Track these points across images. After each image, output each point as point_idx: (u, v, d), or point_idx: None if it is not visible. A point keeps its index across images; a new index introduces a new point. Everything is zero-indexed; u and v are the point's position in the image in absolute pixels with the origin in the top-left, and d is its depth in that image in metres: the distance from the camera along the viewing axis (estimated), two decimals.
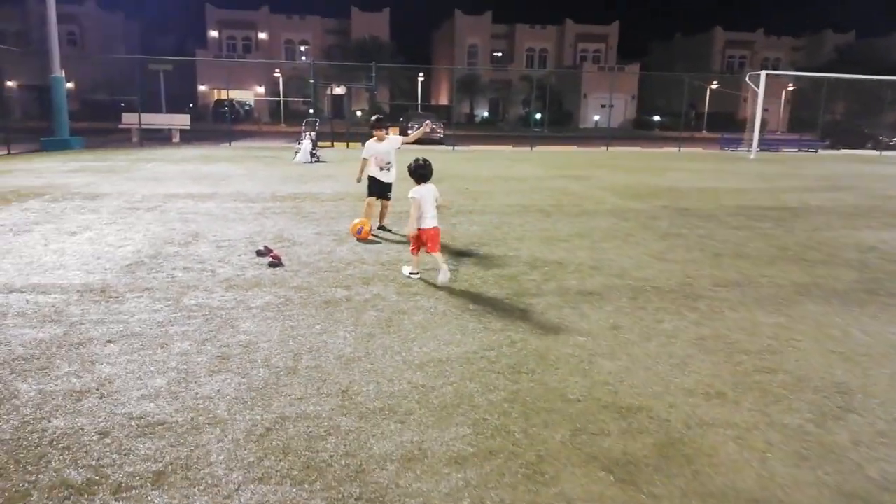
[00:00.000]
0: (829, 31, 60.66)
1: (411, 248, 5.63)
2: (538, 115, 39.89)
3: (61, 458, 2.65)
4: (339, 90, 46.62)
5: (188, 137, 23.95)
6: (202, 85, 50.96)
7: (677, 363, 3.82)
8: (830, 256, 6.87)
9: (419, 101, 49.40)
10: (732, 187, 13.25)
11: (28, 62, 26.99)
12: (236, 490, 2.46)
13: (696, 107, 49.24)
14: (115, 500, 2.39)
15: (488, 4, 65.83)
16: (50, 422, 2.93)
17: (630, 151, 25.66)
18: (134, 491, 2.44)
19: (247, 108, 48.27)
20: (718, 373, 3.69)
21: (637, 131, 48.78)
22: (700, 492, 2.53)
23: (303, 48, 56.74)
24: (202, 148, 21.29)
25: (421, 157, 5.68)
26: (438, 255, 5.49)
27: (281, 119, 45.14)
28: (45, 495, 2.40)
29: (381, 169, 7.33)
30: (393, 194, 7.60)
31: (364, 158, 7.43)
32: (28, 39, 45.46)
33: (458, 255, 6.50)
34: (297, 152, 17.10)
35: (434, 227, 5.52)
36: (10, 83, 31.46)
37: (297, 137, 18.71)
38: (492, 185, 12.52)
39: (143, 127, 22.79)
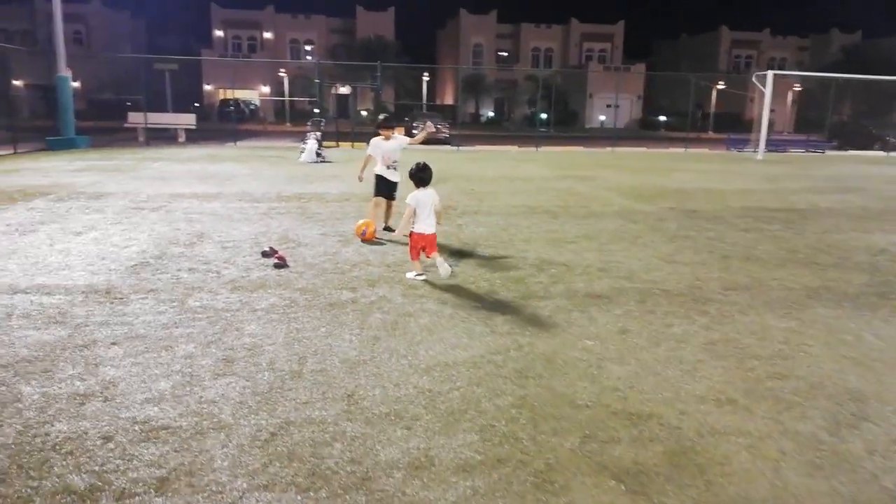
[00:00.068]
0: (836, 31, 60.31)
1: (411, 255, 5.61)
2: (544, 115, 39.80)
3: (64, 463, 2.61)
4: (344, 90, 46.66)
5: (194, 137, 23.95)
6: (207, 84, 51.01)
7: (687, 369, 3.77)
8: (841, 259, 6.80)
9: (424, 101, 49.32)
10: (740, 188, 13.17)
11: (34, 61, 27.07)
12: (240, 497, 2.42)
13: (702, 107, 49.06)
14: None
15: (493, 4, 65.67)
16: (53, 426, 2.90)
17: (636, 152, 25.56)
18: (137, 498, 2.40)
19: (252, 107, 48.29)
20: (729, 379, 3.64)
21: (643, 131, 48.61)
22: (713, 502, 2.49)
23: (308, 48, 56.71)
24: (207, 147, 21.30)
25: (422, 161, 5.67)
26: (436, 254, 5.52)
27: (286, 119, 45.11)
28: (48, 502, 2.37)
29: (389, 168, 7.30)
30: (397, 194, 7.57)
31: (369, 155, 7.39)
32: (34, 38, 45.66)
33: (464, 256, 6.46)
34: (302, 152, 17.09)
35: (432, 233, 5.50)
36: (16, 82, 31.55)
37: (302, 137, 18.71)
38: (497, 186, 12.47)
39: (148, 126, 22.82)
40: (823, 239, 7.89)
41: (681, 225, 8.55)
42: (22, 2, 48.67)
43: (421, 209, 5.44)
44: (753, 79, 24.27)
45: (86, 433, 2.84)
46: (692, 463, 2.75)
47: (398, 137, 7.47)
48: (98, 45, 51.19)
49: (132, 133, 23.39)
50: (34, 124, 22.60)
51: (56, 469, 2.57)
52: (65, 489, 2.44)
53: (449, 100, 57.38)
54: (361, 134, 23.67)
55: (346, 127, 26.16)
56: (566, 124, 46.62)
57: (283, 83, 50.97)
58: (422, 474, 2.60)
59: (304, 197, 10.22)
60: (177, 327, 4.21)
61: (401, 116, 30.36)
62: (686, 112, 32.84)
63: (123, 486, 2.47)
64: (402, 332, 4.24)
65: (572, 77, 53.56)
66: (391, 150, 7.26)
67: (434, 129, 19.16)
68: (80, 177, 12.11)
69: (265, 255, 6.13)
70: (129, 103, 28.75)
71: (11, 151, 16.75)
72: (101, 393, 3.24)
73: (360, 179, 7.68)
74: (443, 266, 5.42)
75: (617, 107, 37.78)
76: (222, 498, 2.42)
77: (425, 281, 5.46)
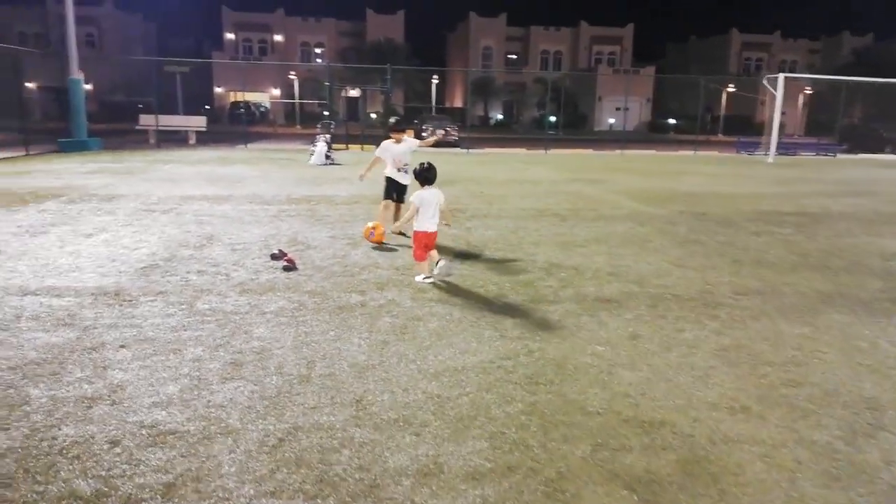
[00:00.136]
0: (847, 34, 59.93)
1: (416, 255, 5.63)
2: (552, 118, 39.71)
3: (71, 467, 2.60)
4: (354, 92, 46.72)
5: (204, 139, 24.06)
6: (218, 87, 51.28)
7: (699, 375, 3.72)
8: (854, 264, 6.72)
9: (433, 104, 49.37)
10: (751, 192, 13.06)
11: (47, 64, 27.29)
12: None
13: (711, 110, 48.81)
14: None
15: (503, 7, 65.64)
16: (60, 429, 2.89)
17: (645, 155, 25.46)
18: None
19: (262, 109, 48.52)
20: (742, 386, 3.59)
21: (652, 134, 48.42)
22: None
23: (318, 50, 56.93)
24: (218, 150, 21.38)
25: (426, 161, 5.74)
26: (434, 252, 5.60)
27: (296, 121, 45.26)
28: None
29: (399, 170, 7.29)
30: (407, 197, 7.55)
31: (376, 157, 7.38)
32: (47, 41, 46.05)
33: (473, 259, 6.43)
34: (311, 154, 17.11)
35: (433, 232, 5.59)
36: (29, 84, 31.81)
37: (311, 139, 18.73)
38: (506, 189, 12.43)
39: (159, 128, 22.93)
40: (836, 243, 7.81)
41: (691, 228, 8.49)
42: (35, 4, 49.12)
43: (424, 208, 5.52)
44: (764, 82, 24.13)
45: (93, 437, 2.83)
46: (705, 472, 2.71)
47: (408, 140, 7.45)
48: (110, 47, 51.64)
49: (143, 135, 23.52)
50: (46, 126, 22.75)
51: (62, 474, 2.55)
52: (71, 494, 2.43)
53: (458, 102, 57.39)
54: (371, 136, 23.73)
55: (356, 129, 26.18)
56: (575, 127, 46.52)
57: (293, 86, 51.17)
58: (431, 482, 2.57)
59: (313, 199, 10.23)
60: (185, 330, 4.20)
61: (410, 119, 30.37)
62: (695, 115, 32.64)
63: (130, 491, 2.45)
64: (410, 336, 4.21)
65: (581, 80, 53.43)
66: (401, 152, 7.25)
67: (442, 135, 19.30)
68: (92, 179, 12.16)
69: (274, 257, 6.12)
70: (140, 105, 28.93)
71: (24, 153, 16.86)
72: (109, 396, 3.22)
73: (361, 178, 7.69)
74: (442, 265, 5.44)
75: (626, 110, 37.69)
76: None
77: (434, 284, 5.44)
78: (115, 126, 25.42)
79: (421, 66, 44.24)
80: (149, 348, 3.87)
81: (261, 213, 8.76)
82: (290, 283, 5.40)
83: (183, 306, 4.68)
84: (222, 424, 2.98)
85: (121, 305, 4.66)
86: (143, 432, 2.88)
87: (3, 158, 15.64)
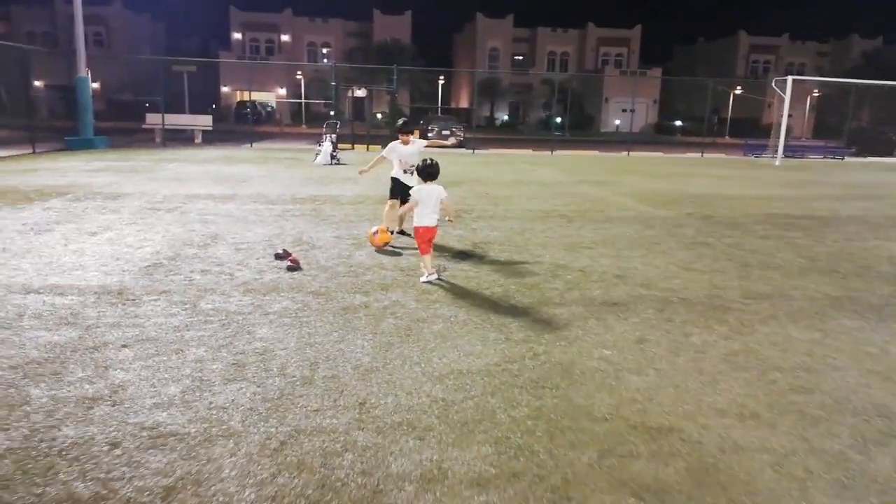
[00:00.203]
0: (856, 37, 59.62)
1: (420, 249, 5.67)
2: (559, 119, 39.61)
3: (70, 469, 2.57)
4: (360, 92, 46.77)
5: (210, 138, 24.08)
6: (225, 86, 51.35)
7: (708, 380, 3.66)
8: (864, 269, 6.64)
9: (440, 104, 49.33)
10: (758, 195, 12.97)
11: (55, 62, 27.29)
12: None
13: (719, 112, 48.62)
14: None
15: (510, 8, 65.59)
16: (60, 430, 2.86)
17: (652, 156, 25.36)
18: None
19: (269, 109, 48.54)
20: (752, 392, 3.53)
21: (659, 136, 48.27)
22: None
23: (325, 50, 56.98)
24: (224, 149, 21.39)
25: (429, 158, 5.80)
26: (428, 259, 5.64)
27: (302, 121, 45.31)
28: None
29: (405, 172, 7.25)
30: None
31: (381, 156, 7.35)
32: (55, 40, 46.25)
33: (478, 260, 6.38)
34: (317, 154, 17.11)
35: (434, 226, 5.65)
36: (37, 83, 31.92)
37: (317, 139, 18.72)
38: (512, 190, 12.38)
39: (166, 127, 22.96)
40: (845, 247, 7.73)
41: (699, 231, 8.42)
42: (43, 4, 49.34)
43: (424, 203, 5.57)
44: (773, 84, 23.98)
45: (93, 438, 2.79)
46: (715, 480, 2.65)
47: (416, 142, 7.41)
48: (118, 46, 51.80)
49: (150, 134, 23.56)
50: (53, 124, 22.84)
51: (61, 476, 2.52)
52: (69, 497, 2.39)
53: (464, 103, 57.33)
54: (377, 137, 23.72)
55: (362, 129, 26.15)
56: (581, 128, 46.40)
57: (299, 86, 51.23)
58: (434, 488, 2.52)
59: (318, 199, 10.20)
60: (188, 330, 4.16)
61: (416, 120, 30.33)
62: (702, 117, 32.50)
63: (129, 494, 2.42)
64: (415, 338, 4.17)
65: (588, 81, 53.32)
66: (409, 154, 7.21)
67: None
68: (98, 177, 12.17)
69: (279, 257, 6.09)
70: (147, 104, 28.98)
71: (30, 151, 16.89)
72: (110, 397, 3.19)
73: (361, 174, 7.67)
74: (428, 273, 5.53)
75: (632, 111, 37.52)
76: None
77: (439, 286, 5.39)
78: (122, 125, 25.46)
79: (427, 66, 44.21)
80: (151, 348, 3.84)
81: (265, 213, 8.73)
82: (294, 283, 5.36)
83: (186, 306, 4.65)
84: (224, 427, 2.94)
85: (124, 304, 4.63)
86: (144, 434, 2.85)
87: (10, 156, 15.67)
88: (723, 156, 27.03)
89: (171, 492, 2.44)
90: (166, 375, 3.47)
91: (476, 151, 23.99)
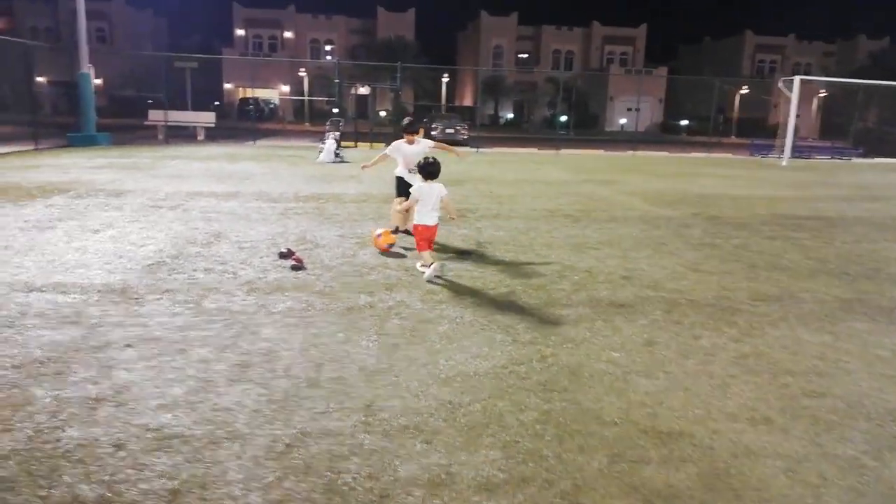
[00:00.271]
0: (863, 37, 59.34)
1: (418, 247, 5.68)
2: (564, 118, 39.53)
3: (74, 471, 2.53)
4: (364, 90, 46.59)
5: (213, 135, 24.04)
6: (228, 83, 51.31)
7: (718, 384, 3.62)
8: (873, 270, 6.58)
9: (444, 102, 49.24)
10: (765, 195, 12.90)
11: (57, 58, 27.37)
12: None
13: (724, 111, 48.46)
14: None
15: (514, 6, 65.37)
16: (64, 431, 2.83)
17: (657, 156, 25.27)
18: None
19: (271, 106, 48.45)
20: (763, 396, 3.48)
21: (664, 135, 48.09)
22: None
23: (328, 47, 56.87)
24: (227, 146, 21.36)
25: (431, 156, 5.84)
26: (427, 255, 5.62)
27: (305, 118, 45.27)
28: None
29: (410, 171, 7.20)
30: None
31: (385, 154, 7.31)
32: (58, 36, 46.23)
33: (483, 260, 6.34)
34: (320, 152, 17.05)
35: (434, 225, 5.67)
36: (39, 79, 31.90)
37: (320, 137, 18.68)
38: (517, 189, 12.32)
39: (168, 124, 22.92)
40: (853, 249, 7.67)
41: (706, 232, 8.36)
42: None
43: (424, 201, 5.60)
44: (780, 84, 23.88)
45: (97, 440, 2.76)
46: (727, 486, 2.61)
47: (421, 142, 7.35)
48: (120, 42, 51.72)
49: (152, 130, 23.51)
50: (56, 120, 22.80)
51: (65, 478, 2.49)
52: (73, 499, 2.36)
53: (468, 101, 57.19)
54: (380, 134, 23.66)
55: (365, 127, 26.08)
56: (586, 127, 46.27)
57: (302, 83, 51.19)
58: (442, 492, 2.49)
59: (321, 197, 10.16)
60: (192, 330, 4.13)
61: (420, 118, 30.28)
62: (708, 116, 32.40)
63: (133, 497, 2.39)
64: (420, 339, 4.13)
65: (593, 80, 53.17)
66: (414, 154, 7.14)
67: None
68: (100, 174, 12.14)
69: (282, 256, 6.04)
70: (149, 101, 28.96)
71: (33, 147, 16.87)
72: (114, 398, 3.16)
73: (363, 169, 7.64)
74: (431, 270, 5.48)
75: (638, 110, 37.38)
76: None
77: (444, 286, 5.35)
78: (125, 121, 25.45)
79: (431, 64, 44.12)
80: (155, 348, 3.80)
81: (268, 211, 8.69)
82: (298, 282, 5.33)
83: (190, 305, 4.61)
84: (229, 429, 2.90)
85: (127, 303, 4.60)
86: (148, 436, 2.81)
87: (13, 152, 15.66)
88: (729, 156, 26.93)
89: (177, 495, 2.41)
90: (170, 376, 3.43)
91: (480, 150, 23.93)
